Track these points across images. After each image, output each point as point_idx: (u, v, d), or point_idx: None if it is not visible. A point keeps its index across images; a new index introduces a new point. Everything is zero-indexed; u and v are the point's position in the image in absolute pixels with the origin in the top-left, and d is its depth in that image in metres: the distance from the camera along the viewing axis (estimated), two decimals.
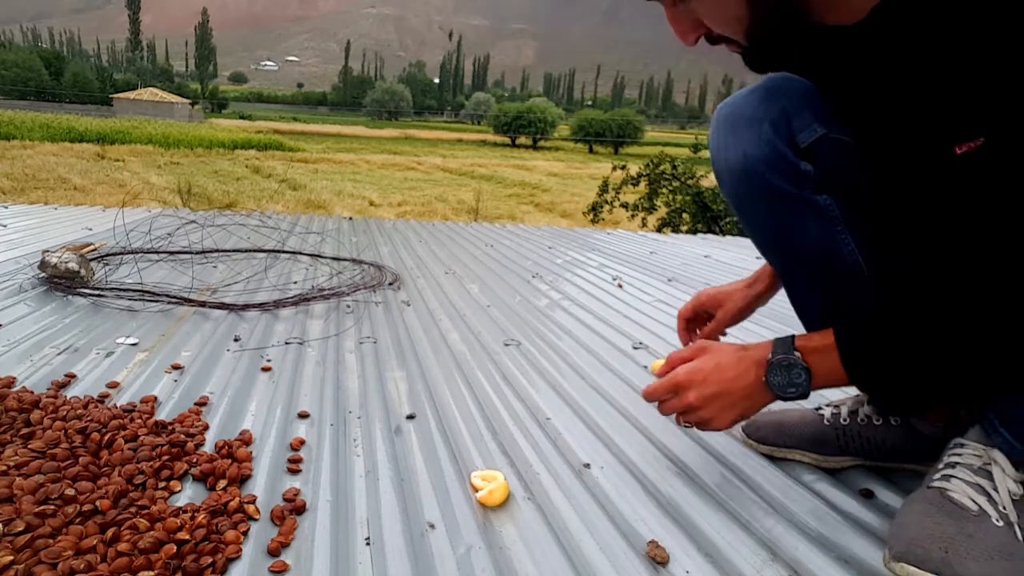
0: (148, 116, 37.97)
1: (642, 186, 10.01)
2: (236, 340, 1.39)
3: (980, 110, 0.60)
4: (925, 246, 0.71)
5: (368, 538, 0.75)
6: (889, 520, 0.79)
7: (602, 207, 10.29)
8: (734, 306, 1.05)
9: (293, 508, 0.79)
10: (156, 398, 1.07)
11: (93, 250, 2.05)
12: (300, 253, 2.31)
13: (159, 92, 46.17)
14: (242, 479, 0.85)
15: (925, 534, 0.69)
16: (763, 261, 1.05)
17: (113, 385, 1.12)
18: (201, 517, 0.74)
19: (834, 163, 0.84)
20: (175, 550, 0.69)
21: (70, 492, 0.76)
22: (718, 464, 0.96)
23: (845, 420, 0.93)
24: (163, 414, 1.02)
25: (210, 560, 0.68)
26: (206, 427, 0.98)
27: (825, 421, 0.94)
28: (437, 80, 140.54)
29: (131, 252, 2.12)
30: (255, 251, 2.29)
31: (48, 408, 0.96)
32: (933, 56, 0.63)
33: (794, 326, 0.94)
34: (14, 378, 1.09)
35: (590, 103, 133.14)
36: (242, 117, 56.02)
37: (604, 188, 10.24)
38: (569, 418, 1.11)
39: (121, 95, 45.75)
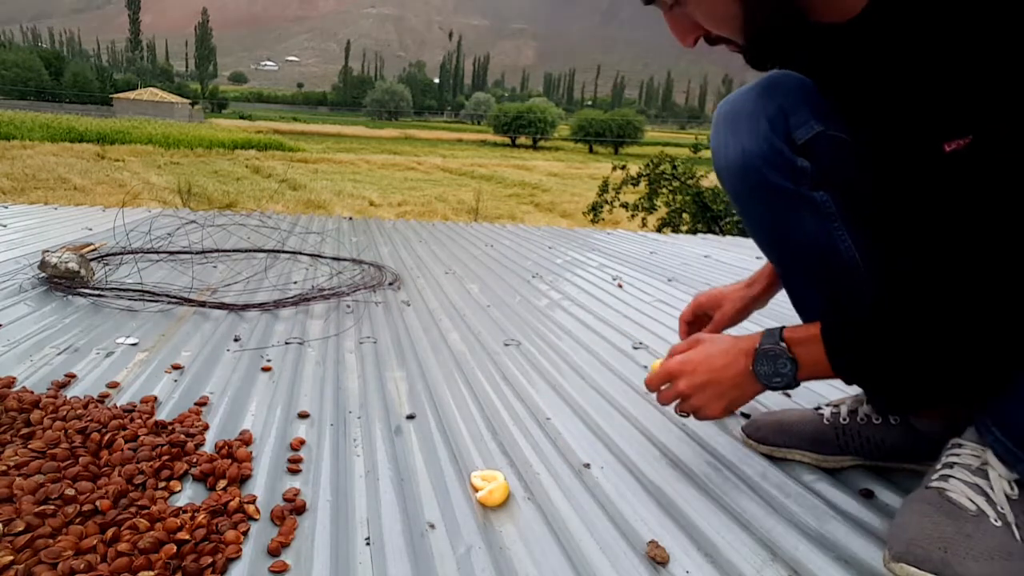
0: (148, 116, 37.98)
1: (642, 186, 10.01)
2: (236, 340, 1.39)
3: (968, 108, 0.61)
4: (920, 245, 0.72)
5: (368, 538, 0.76)
6: (889, 520, 0.79)
7: (602, 207, 10.28)
8: (731, 307, 1.06)
9: (293, 508, 0.79)
10: (156, 398, 1.07)
11: (93, 250, 2.05)
12: (300, 253, 2.31)
13: (159, 92, 46.18)
14: (242, 479, 0.85)
15: (924, 534, 0.69)
16: (763, 261, 1.05)
17: (113, 385, 1.12)
18: (201, 517, 0.74)
19: (831, 160, 0.84)
20: (175, 550, 0.69)
21: (70, 492, 0.76)
22: (718, 464, 0.96)
23: (844, 419, 0.93)
24: (163, 414, 1.02)
25: (210, 560, 0.68)
26: (206, 427, 0.98)
27: (825, 421, 0.95)
28: (437, 80, 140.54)
29: (131, 252, 2.12)
30: (255, 251, 2.29)
31: (48, 408, 0.97)
32: (921, 54, 0.64)
33: None
34: (14, 378, 1.09)
35: (590, 103, 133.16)
36: (242, 117, 56.02)
37: (604, 188, 10.24)
38: (569, 418, 1.11)
39: (121, 95, 45.76)
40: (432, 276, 2.13)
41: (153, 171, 17.89)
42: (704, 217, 9.15)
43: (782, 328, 0.79)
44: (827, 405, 0.97)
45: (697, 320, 1.10)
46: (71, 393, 1.07)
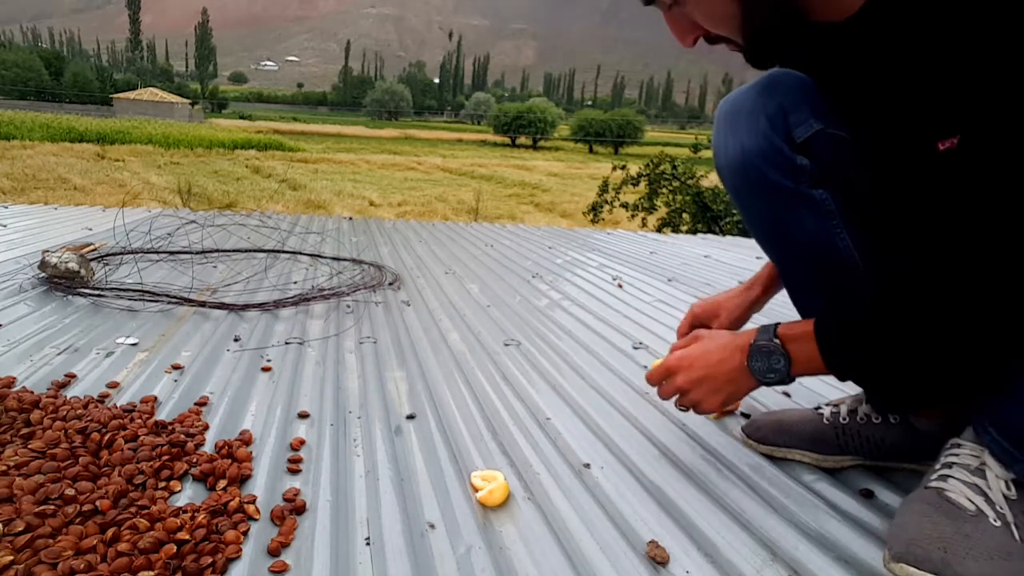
0: (148, 116, 37.98)
1: (642, 186, 10.01)
2: (236, 340, 1.39)
3: (959, 107, 0.61)
4: (917, 244, 0.72)
5: (368, 538, 0.76)
6: (889, 520, 0.79)
7: (602, 207, 10.28)
8: (729, 316, 1.07)
9: (293, 508, 0.79)
10: (156, 398, 1.07)
11: (93, 250, 2.05)
12: (300, 253, 2.32)
13: (159, 92, 46.17)
14: (242, 479, 0.85)
15: (923, 534, 0.69)
16: (763, 261, 1.05)
17: (113, 385, 1.12)
18: (201, 517, 0.74)
19: (831, 158, 0.84)
20: (175, 550, 0.69)
21: (70, 492, 0.76)
22: (718, 464, 0.96)
23: (844, 419, 0.93)
24: (163, 414, 1.02)
25: (210, 560, 0.68)
26: (206, 427, 0.98)
27: (824, 420, 0.95)
28: (437, 80, 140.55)
29: (131, 252, 2.13)
30: (255, 251, 2.29)
31: (48, 408, 0.97)
32: (916, 52, 0.64)
33: None
34: (14, 378, 1.09)
35: (590, 103, 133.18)
36: (242, 117, 56.02)
37: (604, 188, 10.24)
38: (569, 418, 1.11)
39: (121, 95, 45.76)
40: (432, 276, 2.13)
41: (153, 171, 17.89)
42: (704, 217, 9.15)
43: (777, 324, 0.80)
44: (827, 405, 0.97)
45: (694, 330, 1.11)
46: (71, 393, 1.07)
